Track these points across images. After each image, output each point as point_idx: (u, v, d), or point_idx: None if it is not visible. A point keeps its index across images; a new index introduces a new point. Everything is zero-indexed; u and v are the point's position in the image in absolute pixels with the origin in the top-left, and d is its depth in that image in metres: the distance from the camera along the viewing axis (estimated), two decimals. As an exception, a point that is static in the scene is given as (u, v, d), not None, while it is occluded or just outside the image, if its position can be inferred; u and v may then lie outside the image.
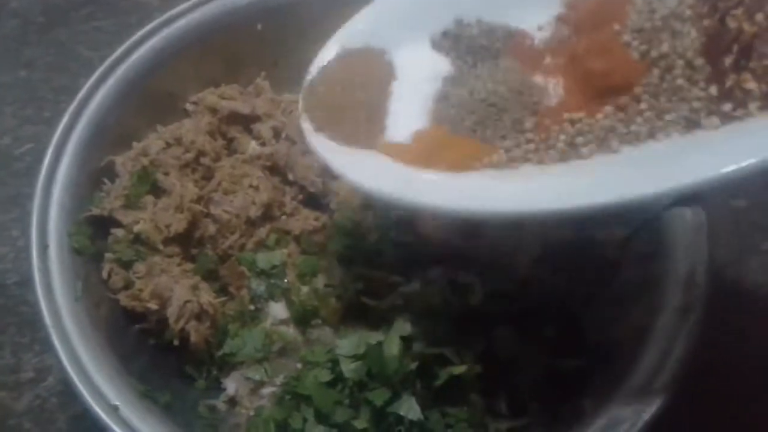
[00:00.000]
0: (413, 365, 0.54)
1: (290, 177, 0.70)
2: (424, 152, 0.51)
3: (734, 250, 0.71)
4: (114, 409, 0.54)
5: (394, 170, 0.51)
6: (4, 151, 0.84)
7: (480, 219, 0.56)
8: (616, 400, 0.52)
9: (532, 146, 0.50)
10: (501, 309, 0.60)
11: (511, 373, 0.58)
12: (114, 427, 0.53)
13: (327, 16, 0.72)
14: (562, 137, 0.49)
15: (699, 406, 0.58)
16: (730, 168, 0.41)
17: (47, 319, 0.57)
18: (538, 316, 0.61)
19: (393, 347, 0.55)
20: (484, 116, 0.51)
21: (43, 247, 0.60)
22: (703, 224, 0.58)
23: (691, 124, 0.47)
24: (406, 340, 0.55)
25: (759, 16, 0.45)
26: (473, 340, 0.57)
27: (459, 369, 0.55)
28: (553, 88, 0.52)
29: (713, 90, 0.46)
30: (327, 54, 0.59)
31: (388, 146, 0.53)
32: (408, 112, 0.54)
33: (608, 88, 0.49)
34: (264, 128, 0.71)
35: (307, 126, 0.55)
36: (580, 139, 0.49)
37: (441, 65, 0.56)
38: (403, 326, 0.56)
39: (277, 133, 0.71)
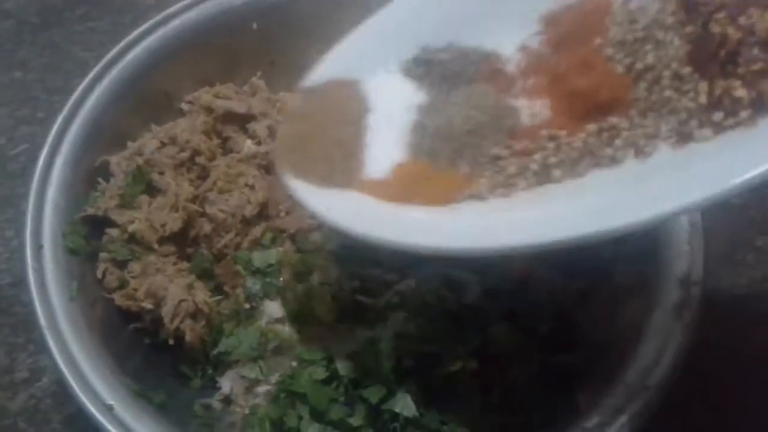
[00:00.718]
0: (408, 362, 0.54)
1: (285, 176, 0.70)
2: (405, 187, 0.50)
3: (729, 246, 0.71)
4: (109, 409, 0.54)
5: (375, 209, 0.49)
6: (-2, 152, 0.84)
7: (467, 257, 0.52)
8: (611, 397, 0.52)
9: (513, 170, 0.48)
10: (496, 306, 0.60)
11: (506, 370, 0.58)
12: (109, 426, 0.53)
13: (322, 14, 0.73)
14: (538, 159, 0.47)
15: (693, 402, 0.58)
16: (731, 182, 0.39)
17: (42, 319, 0.57)
18: (534, 313, 0.61)
19: (388, 345, 0.55)
20: (462, 144, 0.50)
21: (38, 247, 0.60)
22: (698, 221, 0.58)
23: (684, 138, 0.45)
24: (401, 338, 0.56)
25: (742, 20, 0.44)
26: (468, 337, 0.57)
27: (454, 366, 0.55)
28: (532, 110, 0.50)
29: (703, 99, 0.45)
30: (296, 97, 0.57)
31: (367, 184, 0.50)
32: (386, 146, 0.52)
33: (594, 106, 0.48)
34: (259, 127, 0.71)
35: (283, 173, 0.52)
36: (552, 160, 0.47)
37: (415, 94, 0.54)
38: (399, 324, 0.56)
39: (272, 132, 0.71)
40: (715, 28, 0.45)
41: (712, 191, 0.40)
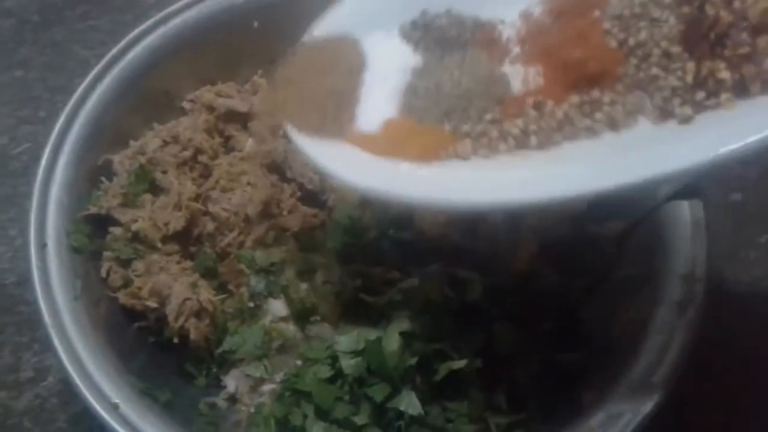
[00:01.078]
0: (413, 361, 0.55)
1: (288, 174, 0.70)
2: (392, 142, 0.51)
3: (732, 243, 0.71)
4: (114, 407, 0.54)
5: (363, 160, 0.50)
6: (1, 151, 0.83)
7: (451, 210, 0.56)
8: (614, 394, 0.52)
9: (495, 134, 0.49)
10: (500, 304, 0.60)
11: (510, 368, 0.58)
12: (114, 425, 0.53)
13: (323, 11, 0.73)
14: (520, 125, 0.49)
15: (697, 399, 0.58)
16: (703, 158, 0.42)
17: (46, 318, 0.57)
18: (537, 310, 0.61)
19: (392, 343, 0.55)
20: (451, 107, 0.51)
21: (42, 246, 0.60)
22: (701, 218, 0.58)
23: (665, 114, 0.46)
24: (405, 336, 0.56)
25: (736, 3, 0.45)
26: (472, 335, 0.57)
27: (458, 364, 0.55)
28: (525, 77, 0.51)
29: (689, 78, 0.46)
30: (295, 48, 0.58)
31: (357, 136, 0.52)
32: (378, 102, 0.53)
33: (583, 77, 0.49)
34: (261, 126, 0.71)
35: (283, 121, 0.54)
36: (532, 127, 0.48)
37: (410, 56, 0.55)
38: (403, 322, 0.56)
39: (274, 131, 0.71)
40: (710, 10, 0.46)
41: (682, 164, 0.42)
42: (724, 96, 0.45)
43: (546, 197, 0.46)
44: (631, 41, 0.48)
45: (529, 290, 0.62)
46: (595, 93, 0.48)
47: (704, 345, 0.53)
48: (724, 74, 0.45)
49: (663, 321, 0.55)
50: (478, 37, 0.54)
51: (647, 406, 0.50)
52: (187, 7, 0.72)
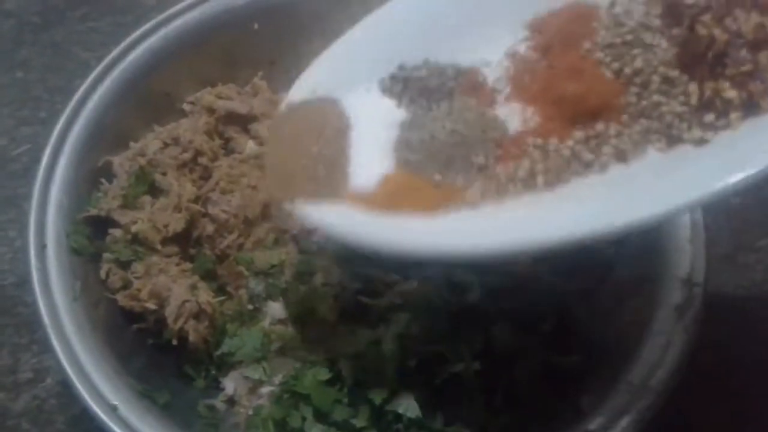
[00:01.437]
0: (412, 363, 0.55)
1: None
2: (393, 197, 0.50)
3: (731, 247, 0.72)
4: (113, 409, 0.54)
5: (365, 219, 0.49)
6: (0, 152, 0.84)
7: (461, 261, 0.54)
8: (613, 397, 0.52)
9: (502, 178, 0.48)
10: (498, 306, 0.60)
11: (508, 371, 0.58)
12: (113, 426, 0.53)
13: (324, 14, 0.73)
14: (526, 166, 0.48)
15: (695, 403, 0.58)
16: (718, 185, 0.40)
17: (45, 319, 0.57)
18: (536, 313, 0.61)
19: (391, 345, 0.55)
20: (449, 157, 0.50)
21: (41, 247, 0.60)
22: (699, 221, 0.58)
23: (672, 141, 0.46)
24: (404, 339, 0.56)
25: (728, 21, 0.44)
26: (471, 338, 0.58)
27: (457, 366, 0.55)
28: (522, 116, 0.50)
29: (693, 101, 0.45)
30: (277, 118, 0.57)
31: (354, 195, 0.51)
32: (371, 159, 0.52)
33: (584, 111, 0.48)
34: (261, 128, 0.71)
35: (282, 200, 0.53)
36: (539, 167, 0.47)
37: (395, 110, 0.54)
38: (401, 324, 0.56)
39: (274, 133, 0.71)
40: (702, 30, 0.45)
41: (696, 195, 0.41)
42: (734, 115, 0.44)
43: (560, 237, 0.44)
44: (628, 70, 0.47)
45: (527, 293, 0.62)
46: (600, 126, 0.47)
47: (703, 348, 0.53)
48: (731, 93, 0.44)
49: (662, 324, 0.55)
50: (463, 83, 0.53)
51: (645, 408, 0.51)
52: (188, 9, 0.72)
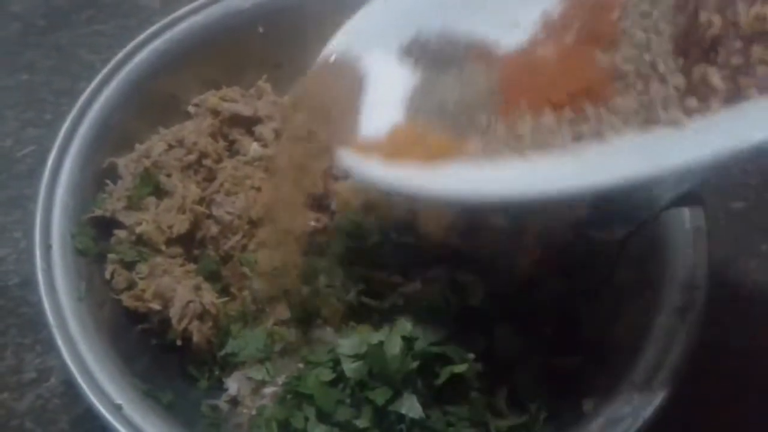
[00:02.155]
0: (414, 364, 0.55)
1: (291, 178, 0.70)
2: (399, 146, 0.53)
3: (733, 251, 0.72)
4: (117, 408, 0.54)
5: (371, 164, 0.53)
6: (5, 154, 0.84)
7: (457, 203, 0.59)
8: (615, 399, 0.52)
9: (501, 136, 0.51)
10: (501, 308, 0.60)
11: (511, 372, 0.58)
12: (117, 426, 0.53)
13: (328, 18, 0.73)
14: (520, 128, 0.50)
15: (697, 406, 0.58)
16: (687, 160, 0.42)
17: (50, 319, 0.57)
18: (538, 315, 0.61)
19: (394, 346, 0.55)
20: (455, 117, 0.52)
21: (47, 248, 0.60)
22: (701, 225, 0.59)
23: (652, 121, 0.47)
24: (407, 340, 0.56)
25: (729, 11, 0.44)
26: (474, 339, 0.58)
27: (460, 368, 0.55)
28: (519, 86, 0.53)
29: (680, 83, 0.46)
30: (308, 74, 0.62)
31: (363, 144, 0.54)
32: (382, 115, 0.56)
33: (581, 88, 0.50)
34: (265, 130, 0.71)
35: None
36: (528, 131, 0.50)
37: (410, 73, 0.57)
38: (404, 326, 0.56)
39: (278, 135, 0.71)
40: (703, 16, 0.45)
41: (665, 167, 0.43)
42: (714, 104, 0.44)
43: (541, 190, 0.47)
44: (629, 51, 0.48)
45: (530, 295, 0.62)
46: (588, 104, 0.49)
47: (704, 351, 0.54)
48: (716, 80, 0.44)
49: (663, 327, 0.55)
50: (474, 53, 0.56)
51: (647, 410, 0.51)
52: (193, 12, 0.73)
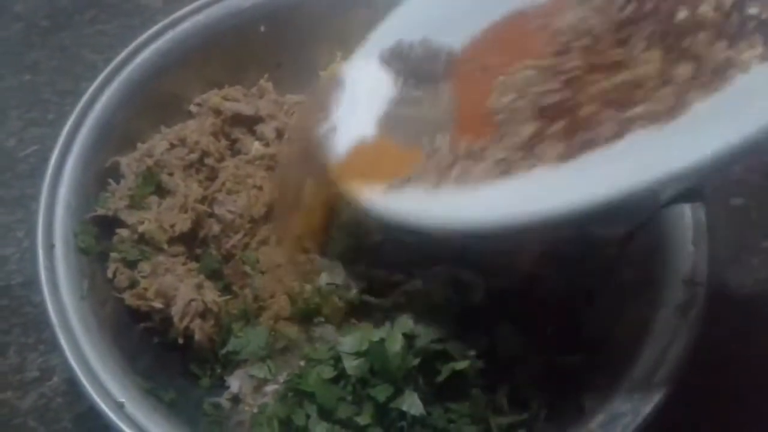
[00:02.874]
0: (416, 361, 0.55)
1: (293, 177, 0.70)
2: (358, 168, 0.54)
3: (733, 248, 0.72)
4: (120, 406, 0.54)
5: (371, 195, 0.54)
6: (8, 153, 0.84)
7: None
8: (615, 396, 0.52)
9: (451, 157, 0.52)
10: (502, 306, 0.61)
11: (512, 369, 0.58)
12: (120, 423, 0.53)
13: (330, 17, 0.74)
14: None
15: (697, 403, 0.58)
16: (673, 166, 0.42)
17: (53, 318, 0.57)
18: (539, 313, 0.61)
19: (396, 344, 0.55)
20: (417, 134, 0.54)
21: (50, 247, 0.60)
22: (702, 222, 0.59)
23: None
24: (408, 337, 0.56)
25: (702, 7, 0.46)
26: (475, 337, 0.58)
27: (461, 365, 0.55)
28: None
29: (652, 71, 0.46)
30: None
31: (337, 162, 0.56)
32: (356, 128, 0.57)
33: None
34: (267, 129, 0.71)
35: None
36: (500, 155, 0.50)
37: (388, 83, 0.58)
38: (406, 323, 0.57)
39: (280, 134, 0.71)
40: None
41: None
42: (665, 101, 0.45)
43: (495, 216, 0.48)
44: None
45: (531, 293, 0.62)
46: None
47: (705, 348, 0.54)
48: (683, 69, 0.45)
49: (664, 324, 0.55)
50: (452, 69, 0.56)
51: (647, 407, 0.51)
52: (195, 11, 0.73)
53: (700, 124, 0.44)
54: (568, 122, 0.47)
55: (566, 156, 0.47)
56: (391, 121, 0.55)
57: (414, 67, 0.57)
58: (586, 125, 0.47)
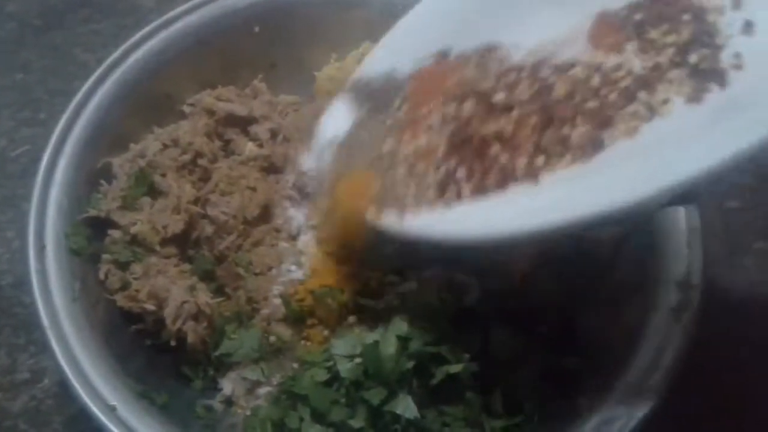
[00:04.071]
0: (410, 364, 0.55)
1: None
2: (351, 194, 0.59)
3: (727, 250, 0.72)
4: (111, 409, 0.54)
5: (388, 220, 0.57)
6: (-1, 153, 0.84)
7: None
8: (610, 399, 0.53)
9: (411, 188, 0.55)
10: (497, 309, 0.60)
11: (506, 372, 0.58)
12: (111, 426, 0.53)
13: (324, 18, 0.74)
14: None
15: (691, 405, 0.58)
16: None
17: (44, 320, 0.57)
18: (534, 315, 0.61)
19: (389, 346, 0.55)
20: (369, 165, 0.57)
21: (41, 248, 0.60)
22: (696, 225, 0.59)
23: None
24: (402, 340, 0.56)
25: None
26: (469, 340, 0.58)
27: (455, 368, 0.55)
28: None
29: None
30: None
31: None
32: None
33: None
34: (261, 130, 0.71)
35: None
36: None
37: (353, 110, 0.61)
38: (400, 325, 0.56)
39: (273, 135, 0.71)
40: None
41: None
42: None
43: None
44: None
45: (525, 295, 0.62)
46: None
47: (700, 350, 0.54)
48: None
49: (658, 327, 0.55)
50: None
51: (641, 410, 0.51)
52: (189, 11, 0.73)
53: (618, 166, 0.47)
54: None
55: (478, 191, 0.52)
56: (345, 150, 0.61)
57: (375, 98, 0.60)
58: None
